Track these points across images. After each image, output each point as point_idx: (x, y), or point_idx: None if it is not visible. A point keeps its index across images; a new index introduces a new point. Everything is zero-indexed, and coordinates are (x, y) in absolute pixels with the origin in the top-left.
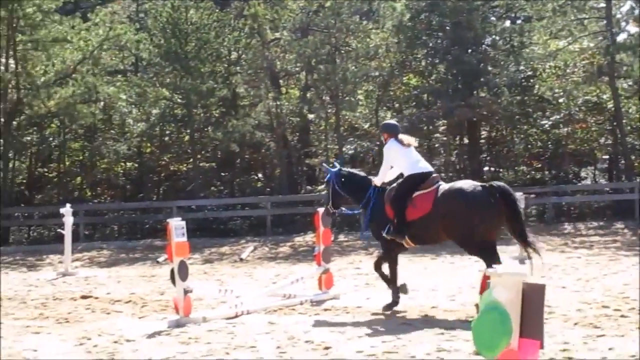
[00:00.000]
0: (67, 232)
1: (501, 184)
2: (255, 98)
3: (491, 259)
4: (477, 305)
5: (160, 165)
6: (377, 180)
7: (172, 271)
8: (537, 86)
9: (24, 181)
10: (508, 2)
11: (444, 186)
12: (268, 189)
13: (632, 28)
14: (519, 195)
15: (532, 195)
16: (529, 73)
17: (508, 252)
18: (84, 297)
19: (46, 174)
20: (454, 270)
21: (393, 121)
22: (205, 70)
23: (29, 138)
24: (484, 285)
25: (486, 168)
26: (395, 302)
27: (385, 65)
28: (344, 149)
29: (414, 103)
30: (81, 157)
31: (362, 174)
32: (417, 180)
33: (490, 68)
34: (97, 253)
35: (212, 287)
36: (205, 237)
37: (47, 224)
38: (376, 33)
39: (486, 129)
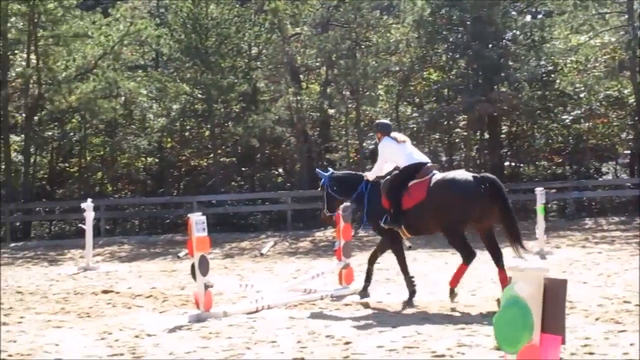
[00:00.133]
0: (88, 227)
1: (492, 176)
2: (276, 93)
3: (468, 251)
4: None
5: (181, 160)
6: (370, 175)
7: (192, 266)
8: (558, 81)
9: (46, 176)
10: None
11: (437, 175)
12: (288, 184)
13: None
14: (539, 190)
15: (553, 190)
16: (550, 68)
17: (528, 247)
18: (105, 292)
19: (67, 169)
20: (475, 265)
21: (386, 120)
22: (225, 66)
23: (50, 133)
24: (458, 278)
25: (507, 163)
26: (412, 292)
27: (405, 60)
28: (364, 144)
29: (435, 98)
30: (102, 152)
31: (354, 173)
32: (413, 171)
33: (511, 63)
34: (118, 248)
35: (233, 281)
36: (226, 232)
37: (68, 218)
38: (397, 28)
39: (507, 123)
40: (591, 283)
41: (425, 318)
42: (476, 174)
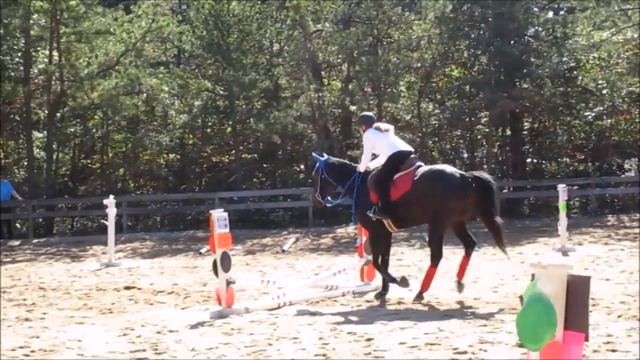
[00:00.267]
0: (111, 223)
1: (484, 176)
2: (297, 90)
3: (439, 252)
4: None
5: (203, 157)
6: (361, 167)
7: (214, 262)
8: (580, 77)
9: (68, 172)
10: None
11: (423, 167)
12: (310, 181)
13: None
14: (561, 187)
15: (575, 187)
16: (572, 64)
17: (550, 244)
18: (127, 288)
19: (89, 165)
20: (496, 262)
21: (369, 113)
22: (247, 62)
23: (72, 130)
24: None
25: (529, 160)
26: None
27: (427, 56)
28: None
29: (456, 94)
30: (124, 149)
31: (349, 163)
32: (397, 160)
33: (533, 59)
34: (140, 244)
35: (255, 278)
36: (248, 228)
37: (90, 215)
38: (418, 24)
39: (529, 120)
40: (613, 280)
41: (447, 315)
42: (464, 173)
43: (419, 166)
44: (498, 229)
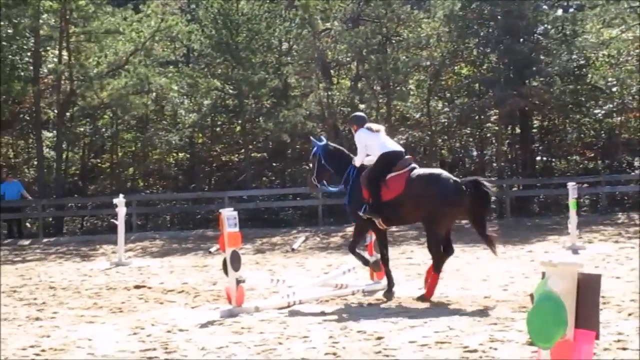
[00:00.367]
0: (120, 223)
1: (478, 181)
2: (306, 88)
3: (439, 258)
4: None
5: (212, 156)
6: (356, 160)
7: (224, 261)
8: (590, 75)
9: (78, 172)
10: None
11: (418, 170)
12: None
13: None
14: (571, 184)
15: (585, 185)
16: (582, 62)
17: (560, 242)
18: (137, 287)
19: (99, 164)
20: (506, 260)
21: (360, 113)
22: (256, 61)
23: (82, 129)
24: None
25: (538, 158)
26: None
27: (436, 54)
28: (395, 139)
29: (466, 92)
30: (133, 148)
31: (347, 152)
32: (389, 159)
33: (542, 57)
34: (149, 243)
35: (264, 277)
36: (257, 227)
37: (100, 214)
38: (427, 22)
39: (538, 118)
40: (624, 278)
41: (457, 313)
42: (457, 179)
43: (413, 168)
44: (490, 242)
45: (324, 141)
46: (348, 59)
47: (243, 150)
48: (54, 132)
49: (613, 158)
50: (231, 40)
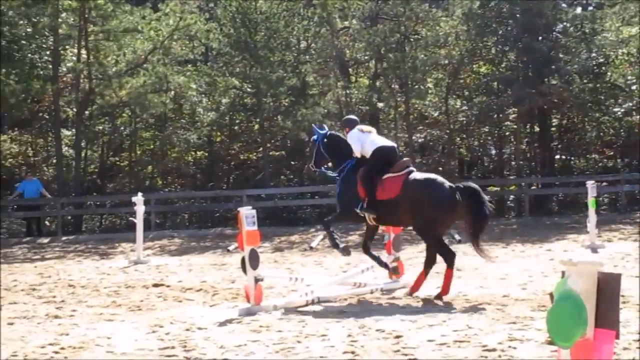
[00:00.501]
0: (139, 221)
1: (473, 187)
2: (325, 87)
3: (448, 253)
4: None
5: (230, 154)
6: (355, 152)
7: (243, 259)
8: (609, 73)
9: (96, 170)
10: None
11: (415, 174)
12: (337, 177)
13: None
14: (590, 183)
15: (604, 184)
16: (601, 60)
17: (579, 240)
18: (155, 285)
19: (118, 163)
20: (525, 259)
21: (352, 116)
22: (274, 60)
23: (100, 127)
24: (447, 285)
25: (557, 156)
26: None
27: (455, 53)
28: (413, 138)
29: (484, 91)
30: (152, 146)
31: (347, 142)
32: (382, 154)
33: (561, 55)
34: (168, 241)
35: (283, 275)
36: (275, 225)
37: (119, 212)
38: (446, 21)
39: (557, 116)
40: None
41: (475, 312)
42: (452, 185)
43: (411, 171)
44: (480, 250)
45: (325, 129)
46: (366, 57)
47: (261, 149)
48: (73, 130)
49: (632, 156)
50: (249, 38)
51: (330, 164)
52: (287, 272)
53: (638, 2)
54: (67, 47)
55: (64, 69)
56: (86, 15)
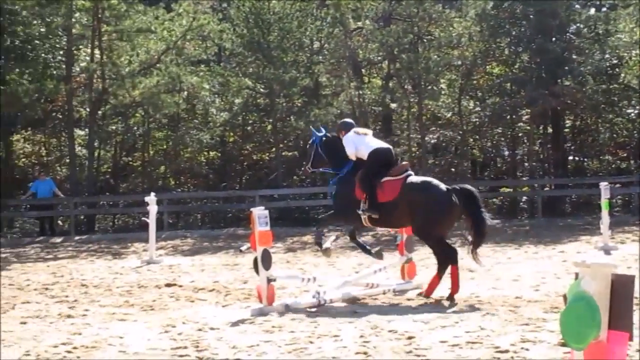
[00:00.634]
0: (152, 221)
1: (469, 188)
2: (338, 87)
3: (451, 251)
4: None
5: (243, 155)
6: (349, 154)
7: (255, 260)
8: (622, 74)
9: (109, 170)
10: None
11: (412, 177)
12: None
13: None
14: (604, 184)
15: (618, 185)
16: (615, 61)
17: (592, 242)
18: (168, 285)
19: (130, 162)
20: (538, 260)
21: (348, 120)
22: (287, 60)
23: (114, 127)
24: (455, 283)
25: (570, 157)
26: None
27: (468, 54)
28: (426, 138)
29: (497, 92)
30: (165, 146)
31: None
32: (379, 156)
33: (574, 56)
34: (180, 241)
35: (295, 275)
36: (288, 226)
37: (131, 212)
38: (459, 22)
39: (570, 118)
40: None
41: (488, 313)
42: (449, 187)
43: (409, 175)
44: (474, 255)
45: (323, 132)
46: (379, 58)
47: (274, 149)
48: (86, 130)
49: None
50: (262, 39)
51: (328, 166)
52: (300, 273)
53: None
54: (80, 47)
55: (78, 69)
56: (100, 15)
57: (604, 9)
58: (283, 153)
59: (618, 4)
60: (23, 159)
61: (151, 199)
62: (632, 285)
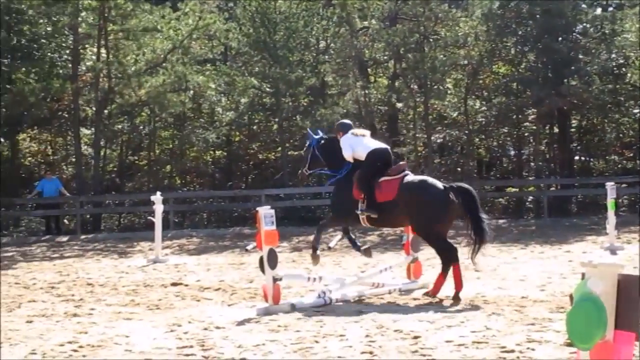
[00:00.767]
0: (157, 220)
1: (465, 186)
2: (344, 87)
3: (451, 250)
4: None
5: (249, 154)
6: (345, 155)
7: (261, 259)
8: (629, 74)
9: (115, 169)
10: None
11: (410, 177)
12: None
13: None
14: (610, 184)
15: (624, 185)
16: (621, 61)
17: (598, 242)
18: (174, 284)
19: (136, 162)
20: (544, 260)
21: (345, 120)
22: (293, 59)
23: (120, 126)
24: (458, 281)
25: (577, 157)
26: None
27: (474, 53)
28: (432, 138)
29: (504, 92)
30: (171, 146)
31: (340, 148)
32: (377, 156)
33: (581, 56)
34: (186, 241)
35: (301, 275)
36: (294, 225)
37: (137, 211)
38: (465, 21)
39: (577, 117)
40: None
41: (494, 313)
42: (446, 185)
43: (407, 175)
44: (483, 239)
45: (320, 135)
46: (385, 57)
47: (280, 149)
48: (92, 129)
49: None
50: (269, 38)
51: (325, 168)
52: (306, 272)
53: None
54: (86, 46)
55: (84, 68)
56: (106, 15)
57: (611, 9)
58: (289, 152)
59: (624, 3)
60: (29, 158)
61: (157, 198)
62: (638, 285)
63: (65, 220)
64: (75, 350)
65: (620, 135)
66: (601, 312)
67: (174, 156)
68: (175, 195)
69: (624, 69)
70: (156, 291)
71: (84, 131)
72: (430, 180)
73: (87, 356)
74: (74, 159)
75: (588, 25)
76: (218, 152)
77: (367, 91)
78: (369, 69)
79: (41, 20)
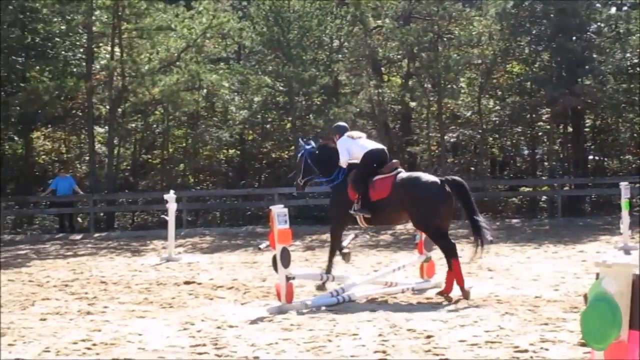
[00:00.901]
0: (171, 218)
1: (458, 179)
2: (357, 86)
3: (450, 245)
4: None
5: (262, 153)
6: (341, 161)
7: (274, 258)
8: None
9: (129, 167)
10: None
11: (402, 174)
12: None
13: None
14: (624, 184)
15: (638, 185)
16: (635, 60)
17: (612, 242)
18: (187, 283)
19: (150, 160)
20: (557, 260)
21: (341, 123)
22: (307, 58)
23: (133, 125)
24: (459, 277)
25: (591, 157)
26: (327, 275)
27: (488, 52)
28: (445, 137)
29: (517, 91)
30: (184, 144)
31: (334, 152)
32: (372, 157)
33: (595, 55)
34: (199, 239)
35: (314, 274)
36: (307, 224)
37: (151, 209)
38: (479, 20)
39: (591, 117)
40: None
41: (507, 313)
42: (441, 177)
43: (399, 172)
44: (480, 232)
45: (311, 144)
46: (399, 56)
47: (293, 147)
48: (106, 127)
49: None
50: (282, 37)
51: (319, 175)
52: (319, 271)
53: None
54: (100, 44)
55: (98, 67)
56: (120, 13)
57: (625, 8)
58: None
59: (639, 2)
60: (43, 156)
61: (170, 196)
62: None
63: (79, 219)
64: (88, 348)
65: (635, 134)
66: (615, 312)
67: (187, 155)
68: (189, 193)
69: (638, 69)
70: (169, 289)
71: (98, 129)
72: (424, 175)
73: (101, 354)
74: (87, 157)
75: (602, 25)
76: (231, 151)
77: (380, 90)
78: (382, 68)
79: (55, 19)
